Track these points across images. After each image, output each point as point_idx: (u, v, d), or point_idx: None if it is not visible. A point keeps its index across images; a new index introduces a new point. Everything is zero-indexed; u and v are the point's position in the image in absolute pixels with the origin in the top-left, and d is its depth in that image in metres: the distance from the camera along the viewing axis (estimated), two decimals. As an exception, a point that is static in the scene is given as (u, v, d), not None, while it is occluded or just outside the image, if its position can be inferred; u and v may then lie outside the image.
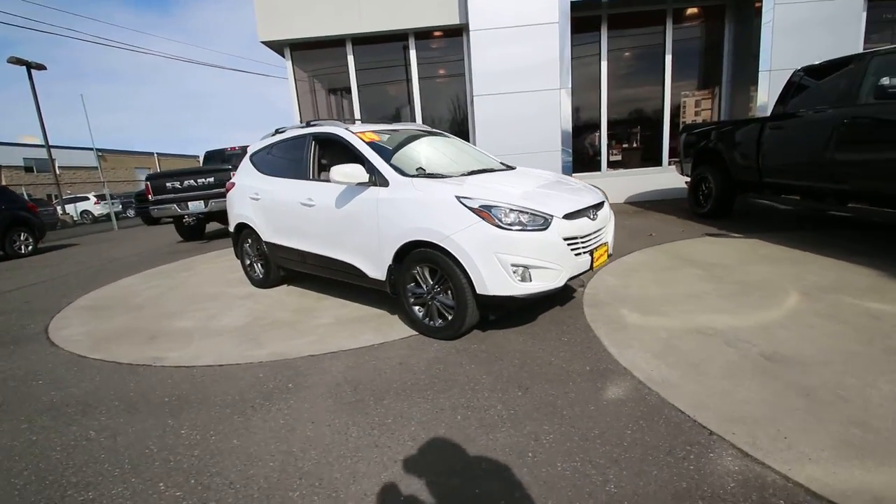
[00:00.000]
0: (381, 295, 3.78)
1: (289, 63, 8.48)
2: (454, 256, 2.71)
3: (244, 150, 9.88)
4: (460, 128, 8.70)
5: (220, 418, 2.26)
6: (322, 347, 3.02)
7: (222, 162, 9.58)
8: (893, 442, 1.69)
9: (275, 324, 3.57)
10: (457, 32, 8.32)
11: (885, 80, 3.52)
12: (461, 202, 2.71)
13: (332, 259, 3.58)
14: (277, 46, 8.40)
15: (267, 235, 4.23)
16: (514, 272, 2.61)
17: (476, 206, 2.67)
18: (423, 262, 2.92)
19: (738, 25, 8.09)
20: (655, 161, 8.82)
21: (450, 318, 2.88)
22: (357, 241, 3.31)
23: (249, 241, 4.57)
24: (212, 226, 9.96)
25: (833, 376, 2.16)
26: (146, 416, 2.35)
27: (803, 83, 4.88)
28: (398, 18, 8.00)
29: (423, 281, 2.97)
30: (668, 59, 8.35)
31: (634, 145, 9.00)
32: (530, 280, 2.64)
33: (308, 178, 3.80)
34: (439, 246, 2.76)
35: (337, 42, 8.40)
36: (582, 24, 8.00)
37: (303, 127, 4.06)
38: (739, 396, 2.06)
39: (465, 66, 8.40)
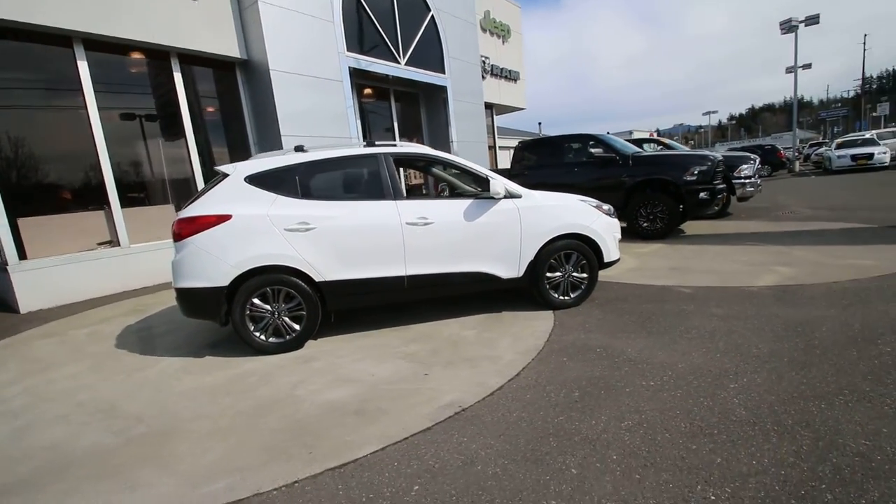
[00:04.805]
0: (454, 306, 4.19)
1: (-50, 46, 4.95)
2: (590, 239, 3.93)
3: None
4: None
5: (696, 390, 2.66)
6: (534, 344, 3.28)
7: None
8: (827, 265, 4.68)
9: (440, 356, 3.25)
10: (231, 67, 7.55)
11: (594, 150, 7.32)
12: (586, 203, 3.99)
13: (456, 274, 3.65)
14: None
15: (330, 272, 3.38)
16: (616, 244, 4.16)
17: (594, 204, 4.05)
18: (561, 249, 3.89)
19: (429, 110, 11.66)
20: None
21: (583, 287, 4.01)
22: (498, 247, 3.71)
23: (268, 291, 3.31)
24: None
25: (766, 258, 5.10)
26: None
27: (524, 149, 8.55)
28: (158, 31, 6.47)
29: (560, 264, 3.92)
30: (396, 125, 10.89)
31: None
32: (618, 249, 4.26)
33: (399, 198, 3.58)
34: (579, 234, 3.89)
35: (60, 39, 5.70)
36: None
37: (366, 146, 3.64)
38: (791, 274, 4.56)
39: (244, 102, 7.74)
